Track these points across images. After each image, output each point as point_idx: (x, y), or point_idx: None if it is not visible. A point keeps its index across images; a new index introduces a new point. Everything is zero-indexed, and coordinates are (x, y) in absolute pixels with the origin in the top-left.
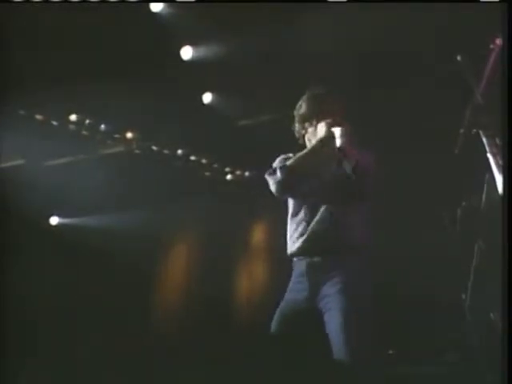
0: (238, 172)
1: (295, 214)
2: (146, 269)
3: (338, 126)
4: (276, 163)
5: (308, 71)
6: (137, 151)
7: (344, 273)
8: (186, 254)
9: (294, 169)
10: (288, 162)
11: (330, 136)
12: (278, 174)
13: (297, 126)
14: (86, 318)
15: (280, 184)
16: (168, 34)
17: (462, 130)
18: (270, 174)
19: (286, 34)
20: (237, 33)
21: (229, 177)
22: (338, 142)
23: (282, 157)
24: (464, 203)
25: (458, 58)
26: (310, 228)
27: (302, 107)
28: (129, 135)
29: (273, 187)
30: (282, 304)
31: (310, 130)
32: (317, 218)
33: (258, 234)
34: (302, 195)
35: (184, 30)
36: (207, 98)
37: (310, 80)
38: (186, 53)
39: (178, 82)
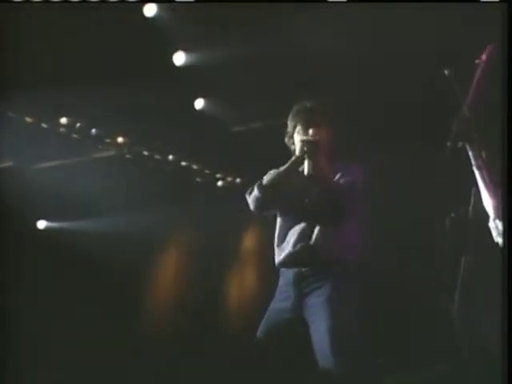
0: (229, 178)
1: (282, 227)
2: (136, 274)
3: (313, 144)
4: (264, 177)
5: (303, 78)
6: (128, 156)
7: (330, 284)
8: (175, 261)
9: (268, 187)
10: (264, 180)
11: (302, 157)
12: (255, 190)
13: (286, 140)
14: (75, 325)
15: (256, 201)
16: (161, 38)
17: (448, 143)
18: (250, 192)
19: (280, 40)
20: (230, 38)
21: (220, 183)
22: (306, 168)
23: (272, 171)
24: (452, 214)
25: (446, 72)
26: (294, 241)
27: (288, 123)
28: (120, 140)
29: (250, 204)
30: (268, 313)
31: (293, 146)
32: (301, 232)
33: (249, 241)
34: (283, 210)
35: (177, 35)
36: (199, 103)
37: (305, 87)
38: (179, 58)
39: (171, 87)
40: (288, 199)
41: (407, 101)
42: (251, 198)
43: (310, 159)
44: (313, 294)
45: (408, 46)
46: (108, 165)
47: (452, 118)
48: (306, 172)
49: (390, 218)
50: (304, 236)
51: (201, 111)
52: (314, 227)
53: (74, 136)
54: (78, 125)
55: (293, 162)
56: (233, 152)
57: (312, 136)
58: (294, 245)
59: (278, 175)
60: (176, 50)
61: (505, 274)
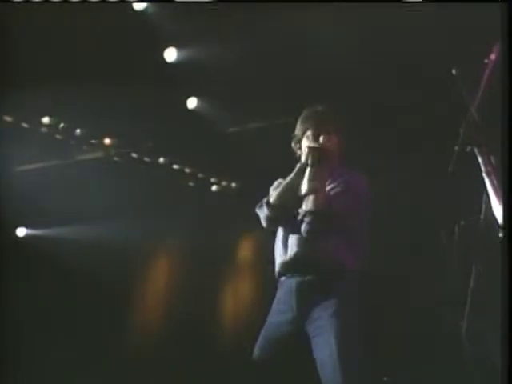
0: (224, 183)
1: (282, 236)
2: (123, 285)
3: (321, 151)
4: (271, 190)
5: (301, 77)
6: (115, 158)
7: (337, 295)
8: (166, 270)
9: (277, 205)
10: (271, 198)
11: (306, 164)
12: (265, 209)
13: (292, 145)
14: (56, 337)
15: (267, 220)
16: (151, 34)
17: (456, 148)
18: (260, 207)
19: (278, 36)
20: (225, 33)
21: (214, 188)
22: (307, 176)
23: (278, 182)
24: (462, 222)
25: (453, 71)
26: (297, 249)
27: (296, 127)
28: (107, 141)
29: (263, 222)
30: (265, 327)
31: (299, 152)
32: (303, 239)
33: (246, 250)
34: (288, 222)
35: (168, 29)
36: (192, 103)
37: (304, 86)
38: (170, 54)
39: (162, 85)
40: (295, 210)
41: (412, 104)
42: (262, 217)
43: (313, 167)
44: (319, 306)
45: (408, 47)
46: (93, 168)
47: (460, 120)
48: (306, 179)
49: (396, 226)
50: (306, 243)
51: (194, 111)
52: (315, 235)
53: (57, 137)
54: (62, 125)
55: (298, 170)
56: (228, 154)
57: (322, 144)
58: (297, 252)
59: (286, 189)
60: (167, 46)
61: (505, 274)
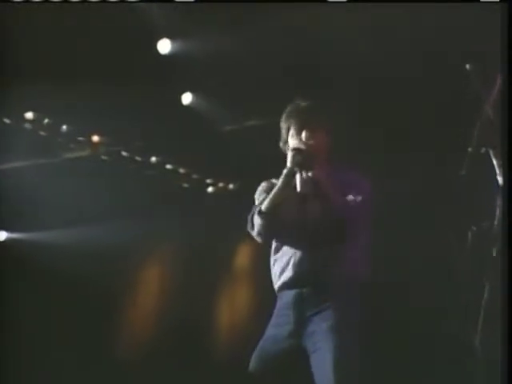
0: (220, 184)
1: (279, 246)
2: (111, 293)
3: (305, 152)
4: (256, 195)
5: (303, 72)
6: (104, 157)
7: (335, 307)
8: (158, 278)
9: (269, 214)
10: (263, 205)
11: (293, 168)
12: (257, 218)
13: (281, 145)
14: (38, 346)
15: (263, 229)
16: (143, 23)
17: (469, 149)
18: (252, 218)
19: (278, 28)
20: (223, 24)
21: (210, 189)
22: (299, 183)
23: (262, 186)
24: (474, 228)
25: (467, 66)
26: (295, 262)
27: (281, 125)
28: (95, 138)
29: (257, 234)
30: (263, 340)
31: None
32: (302, 252)
33: (244, 257)
34: (283, 231)
35: (162, 19)
36: (187, 98)
37: (305, 82)
38: (164, 46)
39: (154, 79)
40: (287, 218)
41: (421, 102)
42: (257, 228)
43: (302, 172)
44: (315, 319)
45: (407, 47)
46: (80, 167)
47: (474, 120)
48: (298, 188)
49: (402, 233)
50: (305, 256)
51: (189, 107)
52: (315, 247)
53: (42, 133)
54: (46, 120)
55: (285, 176)
56: (225, 154)
57: (305, 142)
58: (296, 266)
59: (275, 196)
60: (161, 37)
61: (505, 275)
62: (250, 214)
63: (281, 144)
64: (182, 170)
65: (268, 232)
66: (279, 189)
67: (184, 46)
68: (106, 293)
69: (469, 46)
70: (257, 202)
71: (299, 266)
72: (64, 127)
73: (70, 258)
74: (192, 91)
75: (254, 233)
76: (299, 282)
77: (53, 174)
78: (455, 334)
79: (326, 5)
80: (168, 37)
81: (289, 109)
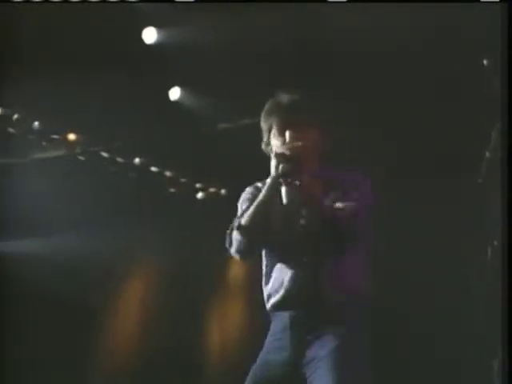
0: (211, 189)
1: (270, 264)
2: (88, 311)
3: (292, 159)
4: (239, 203)
5: (301, 63)
6: (81, 157)
7: (336, 330)
8: (140, 294)
9: (250, 228)
10: (243, 219)
11: (278, 177)
12: (236, 235)
13: (263, 147)
14: (11, 367)
15: (243, 247)
16: (127, 11)
17: (487, 154)
18: (230, 234)
19: (276, 18)
20: (214, 11)
21: (200, 195)
22: (285, 195)
23: (247, 192)
24: (495, 243)
25: (484, 62)
26: (288, 283)
27: (261, 125)
28: (71, 137)
29: (235, 252)
30: (256, 368)
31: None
32: (294, 271)
33: (236, 270)
34: (270, 246)
35: (147, 5)
36: (175, 93)
37: (306, 77)
38: (150, 35)
39: (139, 72)
40: (273, 232)
41: (421, 102)
42: (235, 246)
43: (289, 183)
44: (315, 343)
45: (407, 47)
46: (54, 168)
47: (492, 121)
48: (284, 200)
49: (411, 247)
50: (299, 274)
51: (177, 103)
52: (309, 263)
53: (11, 131)
54: (16, 116)
55: (269, 187)
56: (217, 155)
57: (290, 145)
58: (289, 285)
59: (257, 209)
60: (146, 25)
61: (505, 276)
62: (229, 229)
63: (263, 146)
64: (168, 173)
65: (248, 249)
66: (262, 201)
67: (171, 35)
68: (80, 309)
69: (469, 46)
70: (239, 211)
71: (293, 285)
72: (36, 123)
73: (40, 270)
74: (180, 85)
75: (233, 250)
76: (294, 302)
77: (22, 175)
78: (470, 358)
79: (326, 5)
80: (154, 25)
81: (268, 106)
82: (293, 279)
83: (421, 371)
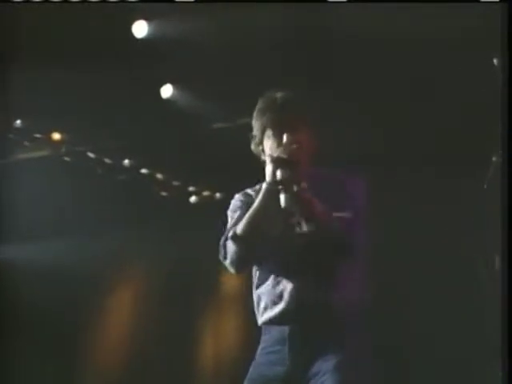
0: (205, 193)
1: (262, 275)
2: (74, 323)
3: (291, 164)
4: (229, 211)
5: (301, 59)
6: (66, 158)
7: (339, 343)
8: (129, 304)
9: (244, 238)
10: (238, 228)
11: (275, 184)
12: (231, 245)
13: (253, 148)
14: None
15: (238, 259)
16: (116, 3)
17: (494, 158)
18: (224, 245)
19: (275, 13)
20: (209, 5)
21: (193, 199)
22: (283, 201)
23: (236, 199)
24: (495, 243)
25: (495, 61)
26: (288, 294)
27: (253, 123)
28: (56, 136)
29: (230, 264)
30: (249, 381)
31: (264, 156)
32: (295, 283)
33: (231, 278)
34: (268, 261)
35: None
36: (167, 91)
37: (302, 71)
38: (140, 29)
39: (129, 68)
40: (271, 241)
41: (421, 102)
42: (230, 257)
43: (287, 190)
44: (317, 357)
45: (407, 47)
46: (38, 170)
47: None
48: (282, 204)
49: (413, 253)
50: (302, 286)
51: (168, 101)
52: (311, 274)
53: None
54: None
55: (264, 194)
56: (212, 157)
57: (287, 148)
58: (290, 298)
59: (252, 217)
60: (136, 19)
61: (505, 277)
62: (222, 239)
63: (252, 146)
64: (159, 176)
65: (245, 261)
66: (257, 209)
67: (164, 29)
68: (64, 321)
69: (469, 46)
70: (230, 220)
71: (294, 298)
72: (18, 122)
73: (25, 279)
74: (173, 83)
75: (227, 261)
76: (295, 315)
77: (2, 177)
78: (476, 367)
79: (325, 5)
80: (144, 18)
81: (262, 103)
82: (293, 292)
83: (422, 376)
